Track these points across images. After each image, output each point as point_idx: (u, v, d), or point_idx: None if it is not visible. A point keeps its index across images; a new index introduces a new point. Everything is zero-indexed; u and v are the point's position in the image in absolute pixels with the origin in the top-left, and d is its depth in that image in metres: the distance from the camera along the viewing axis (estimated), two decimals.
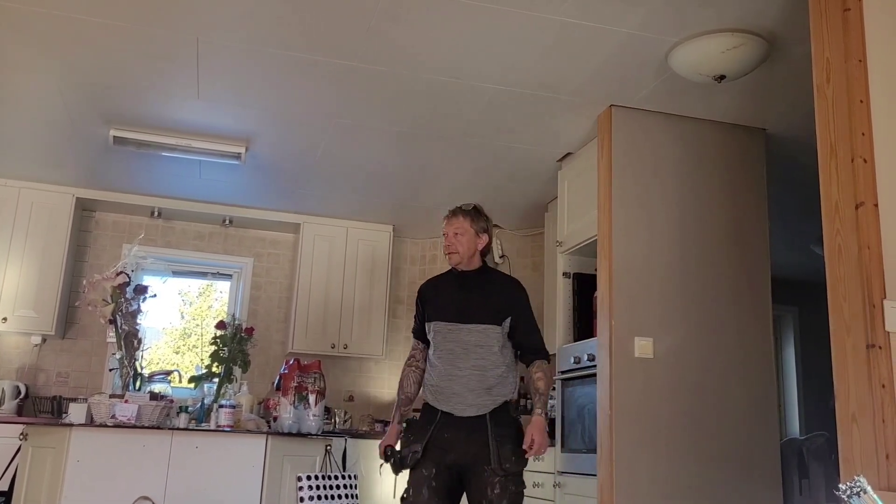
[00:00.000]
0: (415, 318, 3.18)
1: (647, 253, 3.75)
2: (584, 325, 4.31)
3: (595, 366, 3.77)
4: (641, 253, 3.74)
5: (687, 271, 3.77)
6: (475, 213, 3.08)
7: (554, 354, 4.47)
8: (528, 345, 3.03)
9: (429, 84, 3.73)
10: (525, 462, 2.87)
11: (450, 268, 3.12)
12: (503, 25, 3.18)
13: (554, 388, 4.48)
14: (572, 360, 4.12)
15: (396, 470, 2.95)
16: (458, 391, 2.91)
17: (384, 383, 6.20)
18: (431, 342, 3.04)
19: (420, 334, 3.14)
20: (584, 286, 4.37)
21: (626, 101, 3.82)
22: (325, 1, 3.06)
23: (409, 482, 2.92)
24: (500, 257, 6.04)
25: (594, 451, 3.68)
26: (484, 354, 2.94)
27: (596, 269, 3.89)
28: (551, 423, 4.57)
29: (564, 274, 4.45)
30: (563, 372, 4.26)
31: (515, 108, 3.95)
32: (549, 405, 3.17)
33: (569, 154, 4.49)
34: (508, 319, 2.99)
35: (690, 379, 3.65)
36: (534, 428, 2.86)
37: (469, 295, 3.03)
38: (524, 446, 2.85)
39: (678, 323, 3.69)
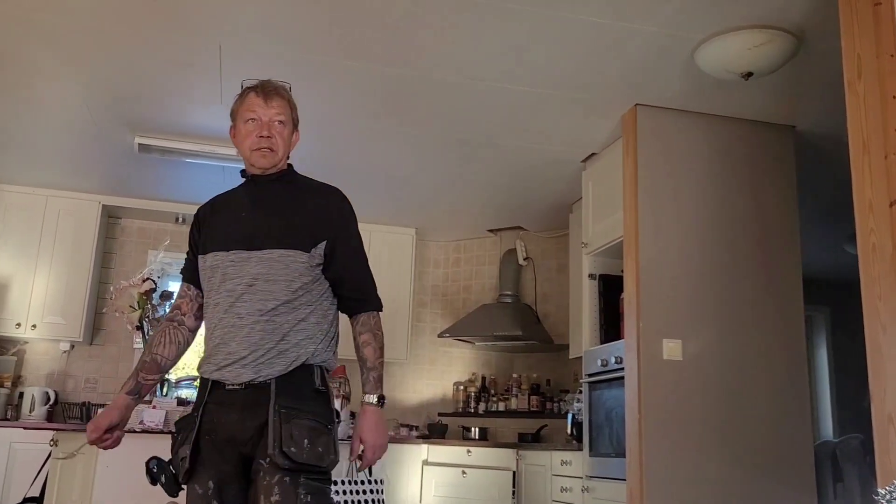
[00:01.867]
0: (187, 253, 2.21)
1: (675, 253, 3.69)
2: (610, 327, 4.26)
3: (623, 368, 3.72)
4: (669, 253, 3.69)
5: (716, 271, 3.71)
6: (292, 97, 2.20)
7: (580, 357, 4.44)
8: (349, 284, 2.08)
9: (447, 86, 3.71)
10: (335, 457, 1.92)
11: (242, 181, 2.18)
12: (524, 26, 3.15)
13: (581, 392, 4.43)
14: (599, 363, 4.08)
15: (172, 491, 1.98)
16: (235, 349, 1.93)
17: (408, 387, 6.19)
18: (205, 284, 2.08)
19: (191, 275, 2.15)
20: (610, 288, 4.32)
21: (651, 100, 3.77)
22: (347, 5, 3.05)
23: None
24: (525, 259, 6.01)
25: (623, 455, 3.63)
26: (275, 292, 1.96)
27: (622, 271, 3.85)
28: (578, 426, 4.53)
29: (590, 275, 4.41)
30: (590, 375, 4.22)
31: (538, 108, 3.91)
32: (383, 384, 2.07)
33: (593, 154, 4.45)
34: (323, 244, 2.03)
35: (721, 381, 3.59)
36: (363, 424, 2.00)
37: (265, 211, 2.07)
38: (350, 455, 2.04)
39: (708, 324, 3.64)
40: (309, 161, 4.77)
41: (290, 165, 2.19)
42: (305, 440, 1.85)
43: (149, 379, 2.08)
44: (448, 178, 5.01)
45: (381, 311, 2.15)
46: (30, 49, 3.51)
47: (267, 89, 2.13)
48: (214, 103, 4.00)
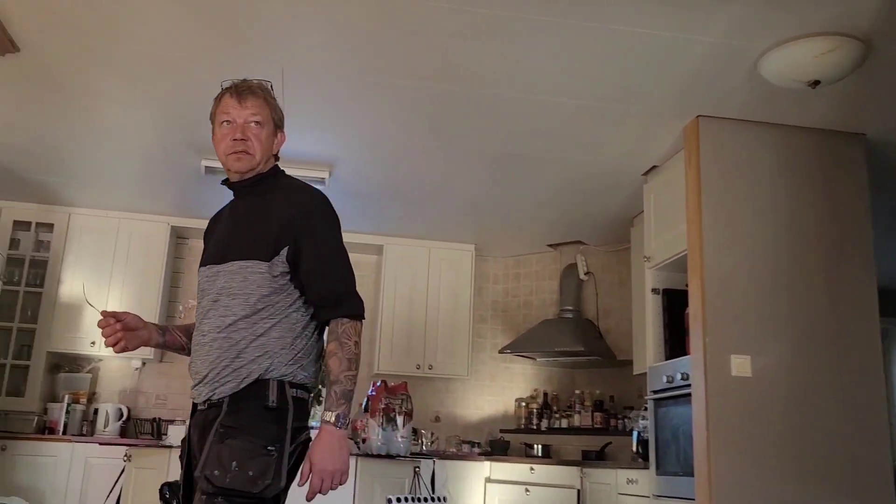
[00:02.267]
0: None
1: (742, 266, 3.60)
2: (675, 342, 4.17)
3: (689, 385, 3.64)
4: (735, 266, 3.60)
5: (785, 284, 3.60)
6: (273, 97, 2.06)
7: (644, 373, 4.36)
8: (312, 290, 1.89)
9: (507, 102, 3.71)
10: (275, 481, 1.73)
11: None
12: (580, 40, 3.13)
13: (646, 408, 4.35)
14: (665, 379, 3.99)
15: None
16: (198, 368, 1.88)
17: (470, 403, 6.17)
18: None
19: None
20: (674, 302, 4.24)
21: (713, 111, 3.70)
22: (403, 26, 3.09)
23: None
24: (586, 274, 5.95)
25: (691, 473, 3.54)
26: (233, 307, 1.85)
27: (687, 285, 3.77)
28: (644, 443, 4.44)
29: (653, 290, 4.33)
30: (655, 391, 4.14)
31: (597, 122, 3.88)
32: (349, 402, 1.83)
33: (654, 167, 4.39)
34: (285, 251, 1.87)
35: (792, 398, 3.47)
36: (314, 445, 1.79)
37: (236, 221, 2.00)
38: (300, 480, 1.80)
39: (777, 339, 3.53)
40: (369, 180, 4.84)
41: (275, 167, 2.05)
42: (234, 462, 1.71)
43: (177, 333, 2.07)
44: (506, 194, 5.00)
45: (358, 318, 1.89)
46: (102, 78, 3.66)
47: (240, 89, 2.00)
48: None
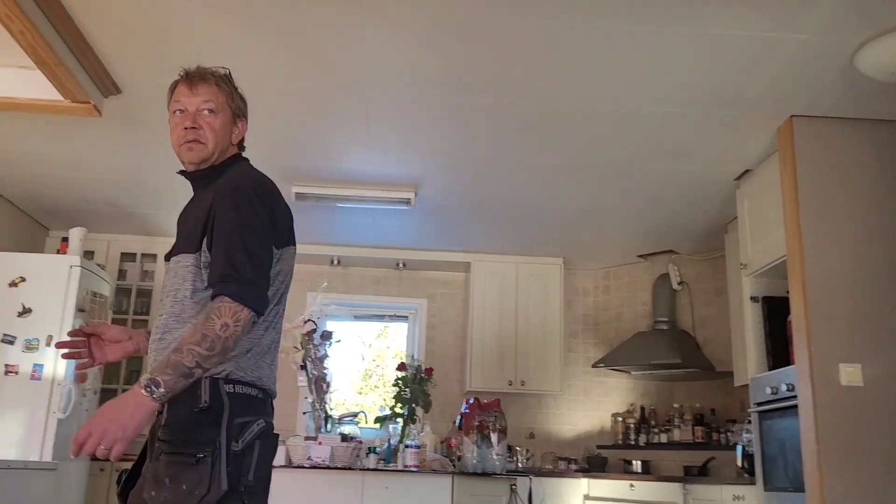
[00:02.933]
0: None
1: (846, 270, 3.43)
2: (778, 352, 4.00)
3: (795, 396, 3.48)
4: (838, 270, 3.43)
5: (895, 287, 3.40)
6: (231, 84, 1.98)
7: (746, 385, 4.20)
8: (212, 267, 1.73)
9: (589, 113, 3.67)
10: (212, 490, 1.61)
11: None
12: (663, 46, 3.07)
13: (750, 421, 4.18)
14: (769, 391, 3.83)
15: None
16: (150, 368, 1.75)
17: (564, 419, 6.09)
18: None
19: None
20: (775, 310, 4.07)
21: (808, 110, 3.56)
22: (483, 46, 3.11)
23: None
24: (679, 283, 5.80)
25: (801, 489, 3.37)
26: (167, 305, 1.80)
27: (788, 292, 3.62)
28: (749, 458, 4.27)
29: (752, 298, 4.17)
30: (758, 403, 3.97)
31: (685, 128, 3.79)
32: (177, 378, 1.59)
33: (747, 171, 4.25)
34: (206, 238, 1.76)
35: None
36: (109, 403, 1.59)
37: (186, 214, 1.93)
38: (75, 440, 1.56)
39: (891, 345, 3.33)
40: (454, 198, 4.88)
41: (232, 157, 1.95)
42: (167, 479, 1.62)
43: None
44: (594, 206, 4.94)
45: (243, 302, 1.66)
46: None
47: (192, 76, 1.89)
48: (362, 150, 4.17)
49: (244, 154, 2.02)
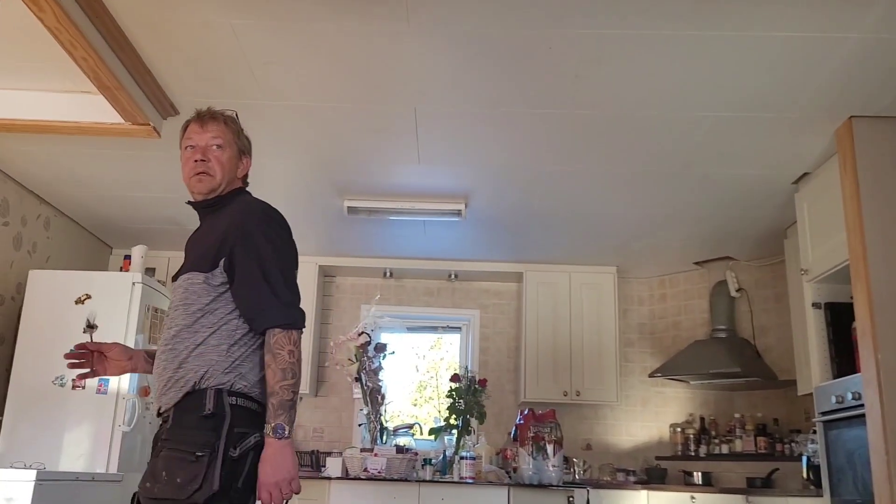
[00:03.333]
0: None
1: None
2: (843, 359, 3.87)
3: (862, 405, 3.37)
4: None
5: None
6: (237, 124, 2.18)
7: (810, 394, 4.08)
8: (242, 302, 1.92)
9: (641, 121, 3.63)
10: (206, 486, 1.73)
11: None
12: (714, 51, 3.02)
13: (815, 431, 4.06)
14: (834, 400, 3.72)
15: None
16: (154, 381, 1.98)
17: (622, 430, 6.00)
18: None
19: None
20: (839, 316, 3.94)
21: (868, 111, 3.46)
22: (529, 56, 3.11)
23: None
24: (737, 290, 5.68)
25: (871, 501, 3.26)
26: (177, 318, 1.94)
27: (852, 297, 3.51)
28: (815, 469, 4.14)
29: (814, 304, 4.05)
30: (823, 413, 3.85)
31: (739, 133, 3.72)
32: (289, 412, 1.83)
33: (806, 174, 4.14)
34: (223, 261, 1.93)
35: None
36: (260, 466, 1.80)
37: (195, 240, 2.12)
38: (258, 498, 1.81)
39: None
40: (505, 209, 4.87)
41: (237, 190, 2.14)
42: (164, 472, 1.76)
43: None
44: (647, 213, 4.88)
45: (291, 327, 1.88)
46: (253, 133, 3.85)
47: (203, 116, 2.11)
48: (412, 163, 4.21)
49: (247, 188, 2.24)
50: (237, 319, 1.93)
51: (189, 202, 2.16)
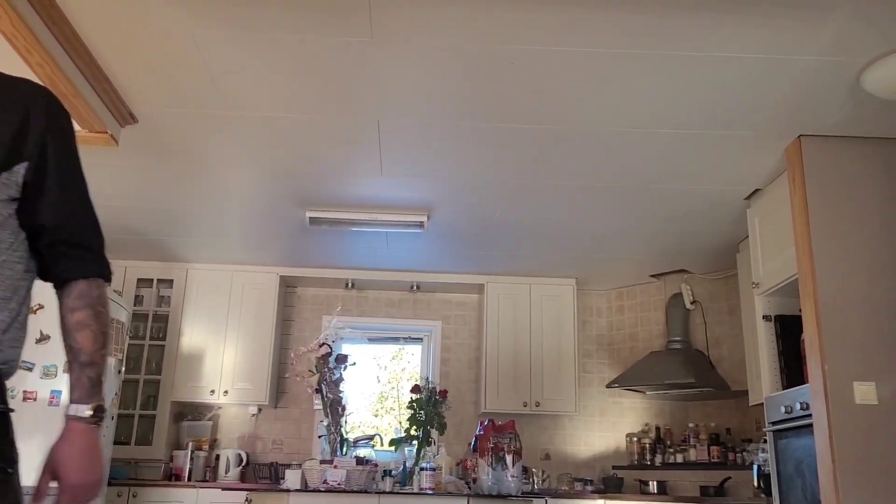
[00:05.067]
0: None
1: (858, 287, 3.43)
2: (792, 371, 3.99)
3: (810, 415, 3.47)
4: (850, 288, 3.43)
5: None
6: None
7: (761, 404, 4.19)
8: (63, 230, 1.40)
9: (600, 136, 3.71)
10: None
11: None
12: (672, 69, 3.11)
13: (765, 441, 4.16)
14: (783, 410, 3.82)
15: None
16: None
17: (580, 440, 6.07)
18: None
19: None
20: (788, 329, 4.06)
21: (816, 130, 3.58)
22: (491, 71, 3.16)
23: None
24: (692, 303, 5.80)
25: None
26: None
27: (800, 310, 3.62)
28: (766, 478, 4.24)
29: (765, 317, 4.17)
30: (773, 423, 3.96)
31: (694, 149, 3.82)
32: (99, 384, 1.37)
33: (757, 190, 4.26)
34: (22, 168, 1.32)
35: None
36: (61, 451, 1.32)
37: None
38: (37, 487, 1.32)
39: None
40: (467, 221, 4.92)
41: None
42: None
43: None
44: (606, 227, 4.96)
45: (110, 281, 1.44)
46: (215, 143, 3.90)
47: None
48: (375, 174, 4.23)
49: None
50: (19, 261, 1.35)
51: None
